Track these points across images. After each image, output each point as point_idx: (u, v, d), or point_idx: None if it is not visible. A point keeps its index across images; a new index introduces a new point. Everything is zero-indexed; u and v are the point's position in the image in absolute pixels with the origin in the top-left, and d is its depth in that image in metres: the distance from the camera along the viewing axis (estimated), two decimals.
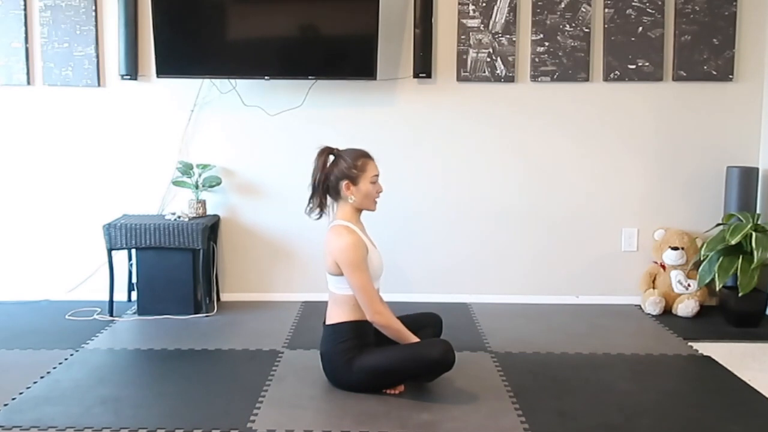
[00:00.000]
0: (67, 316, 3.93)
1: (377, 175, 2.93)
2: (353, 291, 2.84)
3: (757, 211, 4.03)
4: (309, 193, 2.95)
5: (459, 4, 4.11)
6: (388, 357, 2.83)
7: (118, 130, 4.22)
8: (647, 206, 4.26)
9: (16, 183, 4.26)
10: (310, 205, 2.96)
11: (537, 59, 4.13)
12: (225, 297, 4.31)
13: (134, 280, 4.04)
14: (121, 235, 3.89)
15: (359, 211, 2.96)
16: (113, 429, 2.57)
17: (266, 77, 4.00)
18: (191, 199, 4.09)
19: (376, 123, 4.19)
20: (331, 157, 2.94)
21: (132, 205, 4.24)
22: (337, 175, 2.89)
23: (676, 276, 4.09)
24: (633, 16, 4.10)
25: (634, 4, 4.10)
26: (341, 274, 2.85)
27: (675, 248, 4.09)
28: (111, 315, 3.92)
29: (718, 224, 3.97)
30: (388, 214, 4.15)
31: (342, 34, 4.04)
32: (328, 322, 2.93)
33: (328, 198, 2.95)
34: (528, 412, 2.71)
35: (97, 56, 4.14)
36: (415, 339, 2.89)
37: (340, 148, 2.97)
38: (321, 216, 2.97)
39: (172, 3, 3.96)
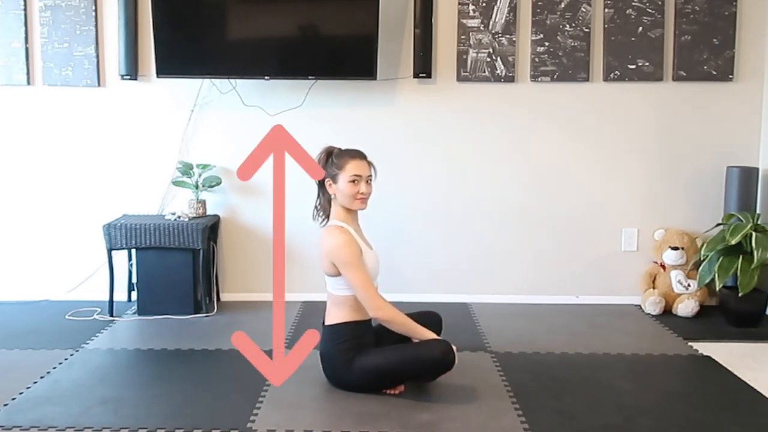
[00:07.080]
0: (67, 316, 3.93)
1: (358, 175, 2.87)
2: (353, 289, 2.84)
3: (757, 211, 4.03)
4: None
5: (459, 4, 4.11)
6: (388, 357, 2.83)
7: (118, 130, 4.22)
8: (647, 206, 4.26)
9: (16, 183, 4.26)
10: (316, 205, 3.01)
11: (537, 59, 4.13)
12: (225, 297, 4.31)
13: (134, 280, 4.04)
14: (121, 235, 3.89)
15: (352, 211, 2.96)
16: (113, 429, 2.57)
17: (266, 77, 4.00)
18: (191, 199, 4.09)
19: (376, 123, 4.19)
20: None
21: (132, 205, 4.24)
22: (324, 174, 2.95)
23: (676, 276, 4.09)
24: (633, 16, 4.10)
25: (634, 4, 4.10)
26: (338, 275, 2.86)
27: (675, 248, 4.09)
28: (111, 315, 3.93)
29: (718, 224, 3.97)
30: (388, 213, 4.16)
31: (342, 34, 4.04)
32: (327, 323, 2.94)
33: (331, 199, 2.97)
34: (528, 412, 2.71)
35: (97, 56, 4.14)
36: (426, 331, 2.84)
37: (342, 147, 2.99)
38: (325, 221, 3.00)
39: (172, 3, 3.96)
